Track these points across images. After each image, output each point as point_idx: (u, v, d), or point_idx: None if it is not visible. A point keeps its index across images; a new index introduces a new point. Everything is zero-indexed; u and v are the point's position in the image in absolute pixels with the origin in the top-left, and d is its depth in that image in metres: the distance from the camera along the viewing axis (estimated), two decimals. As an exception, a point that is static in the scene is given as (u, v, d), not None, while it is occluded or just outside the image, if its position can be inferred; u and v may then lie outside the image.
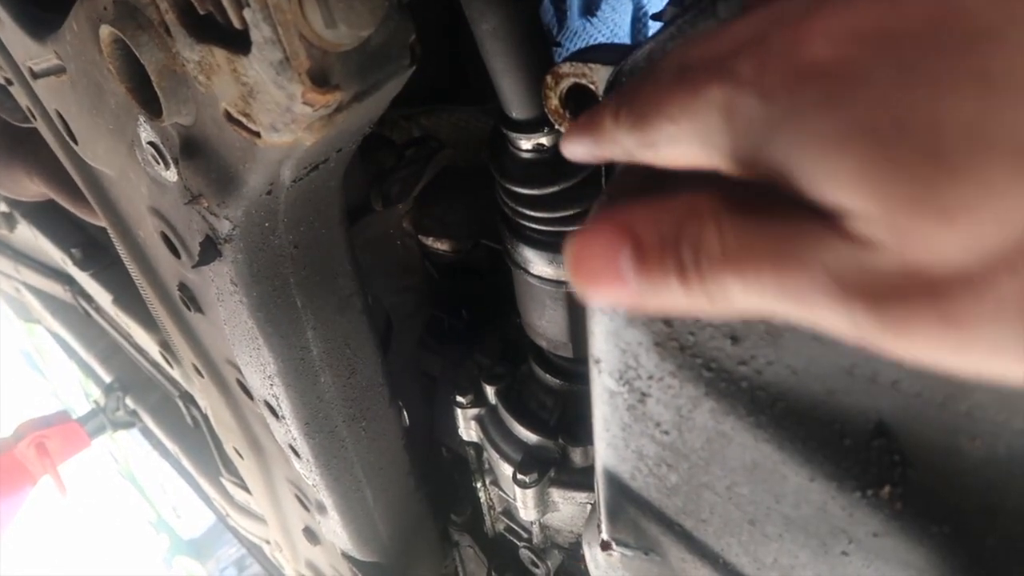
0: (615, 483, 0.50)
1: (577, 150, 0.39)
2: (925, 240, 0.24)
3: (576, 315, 0.79)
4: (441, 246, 1.19)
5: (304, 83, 0.47)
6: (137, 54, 0.56)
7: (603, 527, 0.52)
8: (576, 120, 0.40)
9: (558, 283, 0.76)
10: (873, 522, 0.36)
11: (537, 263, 0.76)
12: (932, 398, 0.32)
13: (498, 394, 0.91)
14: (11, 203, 1.87)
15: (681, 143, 0.28)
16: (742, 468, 0.41)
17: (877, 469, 0.35)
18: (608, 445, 0.49)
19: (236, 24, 0.48)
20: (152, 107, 0.62)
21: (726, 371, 0.38)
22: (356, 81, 0.51)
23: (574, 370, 0.86)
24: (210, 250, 0.72)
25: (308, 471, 0.98)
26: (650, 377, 0.41)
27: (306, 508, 1.16)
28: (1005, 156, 0.22)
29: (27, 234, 1.93)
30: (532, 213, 0.73)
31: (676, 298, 0.27)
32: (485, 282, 1.17)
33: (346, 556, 1.14)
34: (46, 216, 1.80)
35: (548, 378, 0.87)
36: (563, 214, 0.72)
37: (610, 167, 0.54)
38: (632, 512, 0.50)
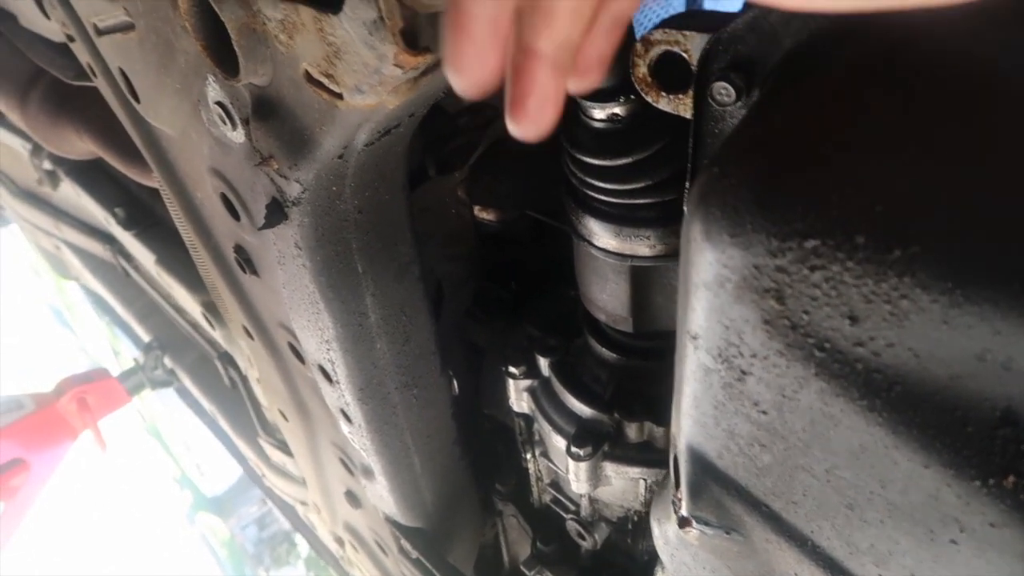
0: (700, 461, 0.49)
1: None
2: None
3: (640, 290, 0.78)
4: (486, 215, 1.18)
5: (397, 44, 0.46)
6: (217, 11, 0.56)
7: (683, 504, 0.52)
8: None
9: (623, 256, 0.75)
10: (992, 512, 0.35)
11: (602, 235, 0.75)
12: (1071, 387, 0.31)
13: (552, 366, 0.91)
14: (55, 161, 1.89)
15: None
16: (847, 451, 0.40)
17: (1001, 458, 0.34)
18: (695, 423, 0.48)
19: (329, -18, 0.47)
20: (227, 66, 0.61)
21: (840, 352, 0.37)
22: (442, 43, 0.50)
23: (631, 344, 0.86)
24: (276, 213, 0.72)
25: (359, 436, 0.98)
26: (753, 355, 0.41)
27: (350, 472, 1.17)
28: None
29: (70, 192, 1.95)
30: (601, 184, 0.71)
31: None
32: (530, 252, 1.16)
33: (390, 521, 1.15)
34: (90, 175, 1.81)
35: (604, 352, 0.87)
36: (634, 186, 0.71)
37: (699, 144, 0.53)
38: (716, 491, 0.50)
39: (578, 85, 0.43)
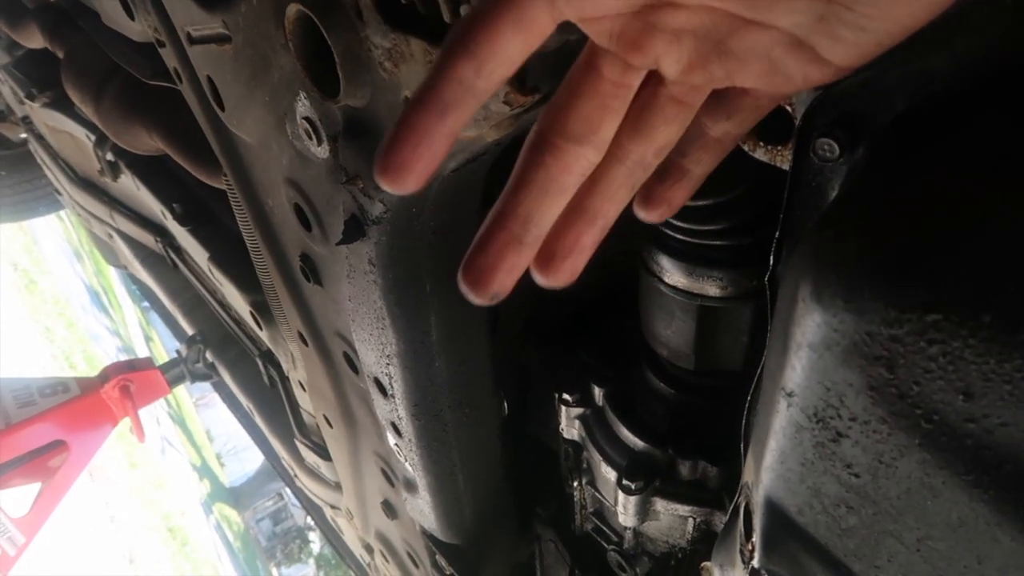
0: (778, 515, 0.49)
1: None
2: None
3: (706, 329, 0.78)
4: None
5: (509, 83, 0.47)
6: (325, 35, 0.57)
7: (756, 556, 0.52)
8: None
9: (693, 295, 0.75)
10: (1099, 601, 0.35)
11: (674, 273, 0.75)
12: None
13: (606, 396, 0.91)
14: (117, 153, 1.93)
15: None
16: (944, 524, 0.39)
17: (1114, 548, 0.34)
18: (779, 477, 0.48)
19: (447, 18, 0.48)
20: (325, 87, 0.63)
21: (949, 426, 0.37)
22: (549, 81, 0.51)
23: (691, 382, 0.85)
24: (355, 230, 0.73)
25: (407, 450, 0.99)
26: (852, 419, 0.40)
27: (391, 483, 1.18)
28: None
29: (129, 184, 1.99)
30: (678, 223, 0.72)
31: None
32: (586, 277, 1.16)
33: (427, 535, 1.16)
34: (151, 169, 1.85)
35: (662, 386, 0.87)
36: (712, 228, 0.71)
37: (794, 195, 0.53)
38: (793, 546, 0.49)
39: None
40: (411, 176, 0.37)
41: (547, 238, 0.41)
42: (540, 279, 0.43)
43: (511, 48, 0.36)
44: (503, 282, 0.41)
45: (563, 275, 0.43)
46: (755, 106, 0.43)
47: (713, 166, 0.47)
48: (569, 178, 0.40)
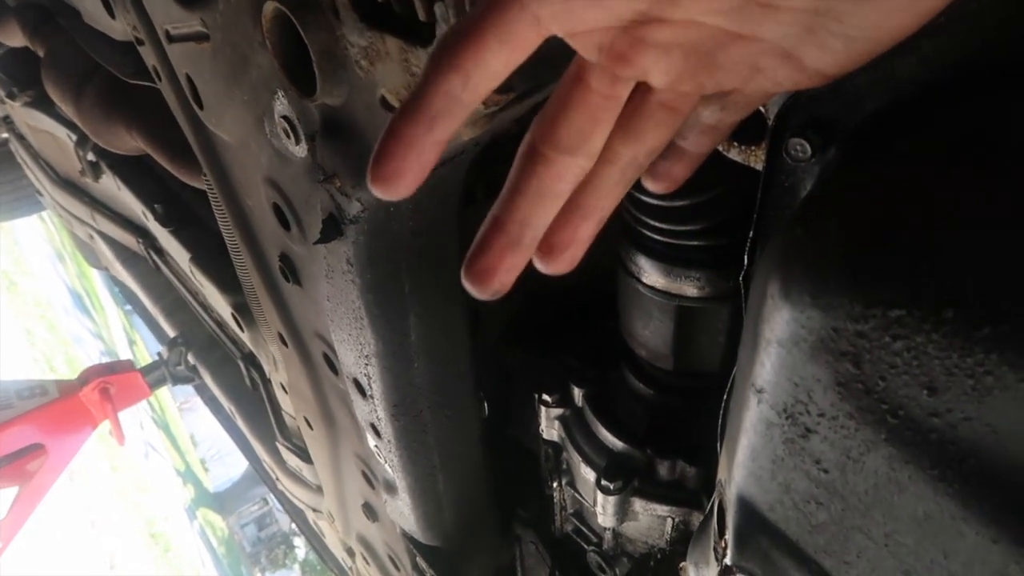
0: (750, 512, 0.50)
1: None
2: None
3: (683, 330, 0.78)
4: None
5: (485, 82, 0.47)
6: (302, 33, 0.57)
7: (729, 553, 0.52)
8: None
9: (670, 296, 0.75)
10: (1060, 594, 0.35)
11: (652, 273, 0.75)
12: None
13: (586, 397, 0.91)
14: (99, 153, 1.92)
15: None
16: (910, 518, 0.40)
17: (1074, 541, 0.34)
18: (750, 474, 0.48)
19: (422, 16, 0.48)
20: (302, 85, 0.62)
21: (914, 421, 0.37)
22: (526, 82, 0.51)
23: (669, 382, 0.86)
24: (333, 229, 0.73)
25: (387, 451, 0.99)
26: (821, 415, 0.41)
27: (371, 485, 1.18)
28: None
29: (110, 185, 1.98)
30: (656, 223, 0.72)
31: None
32: (567, 279, 1.17)
33: (407, 537, 1.16)
34: (132, 170, 1.84)
35: (641, 387, 0.87)
36: (689, 228, 0.71)
37: (767, 195, 0.54)
38: (764, 543, 0.50)
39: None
40: (402, 184, 0.38)
41: (546, 232, 0.42)
42: (541, 268, 0.44)
43: (496, 63, 0.37)
44: (503, 280, 0.42)
45: (563, 264, 0.44)
46: (746, 101, 0.44)
47: (712, 147, 0.48)
48: (562, 185, 0.41)
